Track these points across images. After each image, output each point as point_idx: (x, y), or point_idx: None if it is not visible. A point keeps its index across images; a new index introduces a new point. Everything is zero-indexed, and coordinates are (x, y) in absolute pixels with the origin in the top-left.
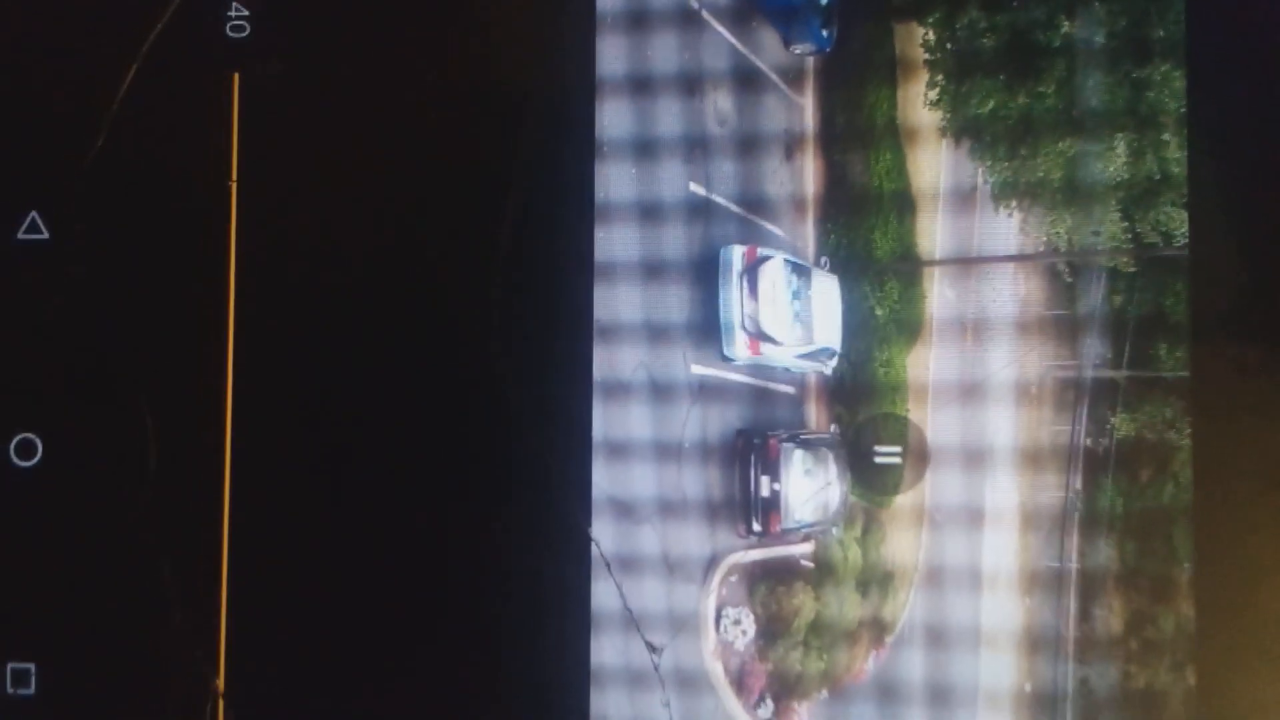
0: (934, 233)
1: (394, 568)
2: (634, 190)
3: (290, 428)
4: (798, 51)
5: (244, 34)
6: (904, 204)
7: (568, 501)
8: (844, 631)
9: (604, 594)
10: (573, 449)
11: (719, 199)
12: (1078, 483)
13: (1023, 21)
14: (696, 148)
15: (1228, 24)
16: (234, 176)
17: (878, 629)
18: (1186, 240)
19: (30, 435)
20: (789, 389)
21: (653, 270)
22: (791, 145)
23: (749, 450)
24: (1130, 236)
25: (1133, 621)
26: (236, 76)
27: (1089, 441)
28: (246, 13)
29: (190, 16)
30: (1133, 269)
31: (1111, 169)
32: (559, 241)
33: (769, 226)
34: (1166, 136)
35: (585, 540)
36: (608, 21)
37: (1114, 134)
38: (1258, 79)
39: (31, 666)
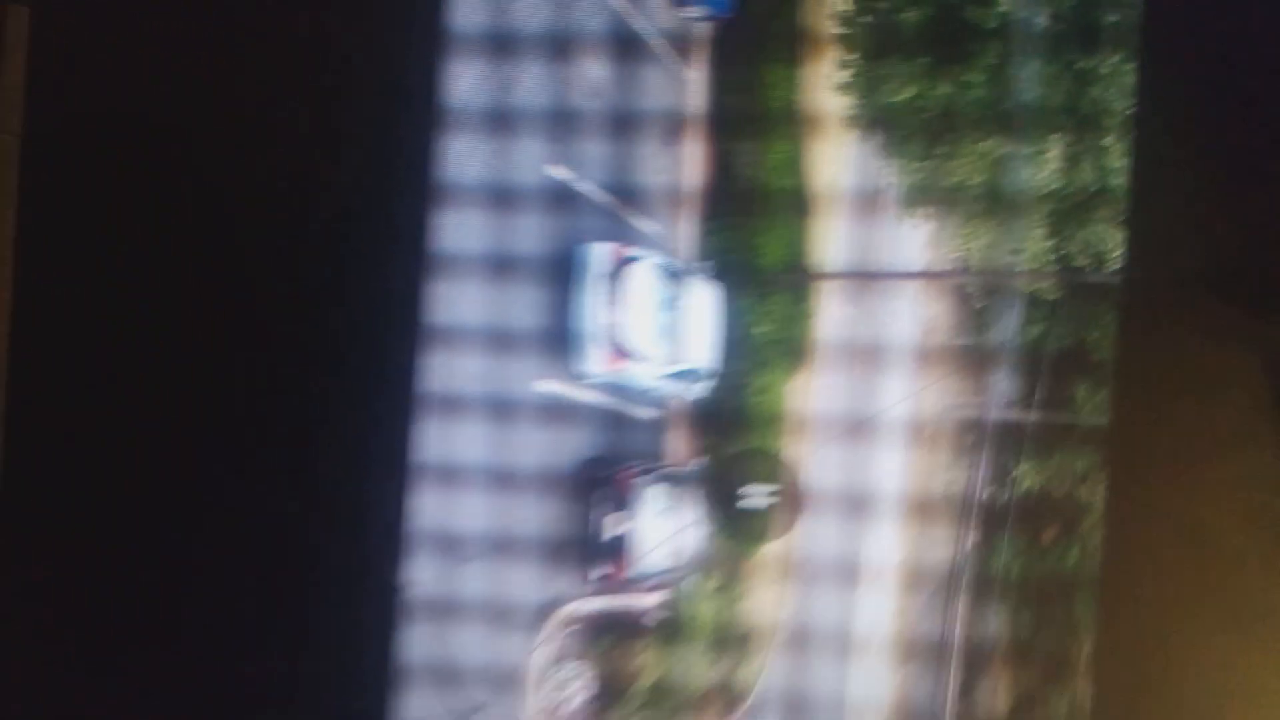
0: (831, 241)
1: (159, 605)
2: (482, 170)
3: (68, 441)
4: (690, 15)
5: None
6: (798, 205)
7: (380, 534)
8: (690, 698)
9: (418, 643)
10: (390, 471)
11: (583, 186)
12: (971, 540)
13: None
14: (560, 124)
15: (1193, 11)
16: (18, 130)
17: (728, 696)
18: (1120, 265)
19: None
20: (650, 414)
21: (499, 266)
22: (673, 128)
23: (598, 483)
24: (1056, 257)
25: (1021, 701)
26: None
27: (987, 493)
28: None
29: None
30: (1055, 296)
31: (1041, 176)
32: (388, 227)
33: (641, 222)
34: (1109, 141)
35: (397, 582)
36: None
37: (1048, 135)
38: (1221, 78)
39: None
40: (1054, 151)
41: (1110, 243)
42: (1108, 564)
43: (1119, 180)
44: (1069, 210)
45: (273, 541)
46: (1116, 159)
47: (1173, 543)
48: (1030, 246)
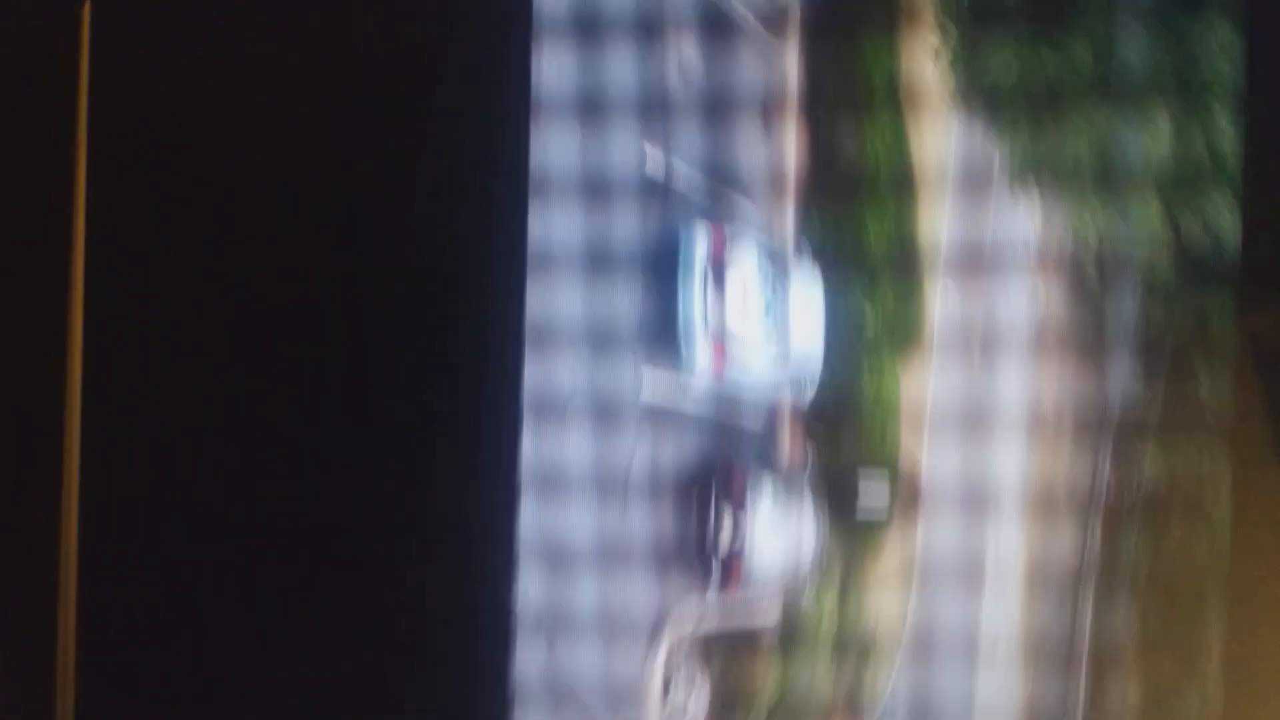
0: (939, 221)
1: (267, 634)
2: (576, 159)
3: (151, 467)
4: None
5: None
6: (904, 186)
7: (490, 549)
8: (815, 709)
9: (530, 661)
10: (497, 483)
11: (680, 170)
12: (1096, 538)
13: None
14: (655, 108)
15: None
16: (82, 127)
17: (855, 707)
18: (1238, 246)
19: None
20: (758, 415)
21: (597, 260)
22: (770, 108)
23: (708, 489)
24: (1172, 236)
25: (1152, 702)
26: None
27: (1112, 487)
28: None
29: None
30: (1174, 277)
31: (1154, 149)
32: (484, 224)
33: (741, 205)
34: (1220, 115)
35: (509, 597)
36: None
37: (1159, 107)
38: None
39: None
40: (1164, 124)
41: (1227, 219)
42: (1236, 560)
43: (1233, 156)
44: (1183, 185)
45: (383, 560)
46: (1230, 133)
47: None
48: (1146, 226)
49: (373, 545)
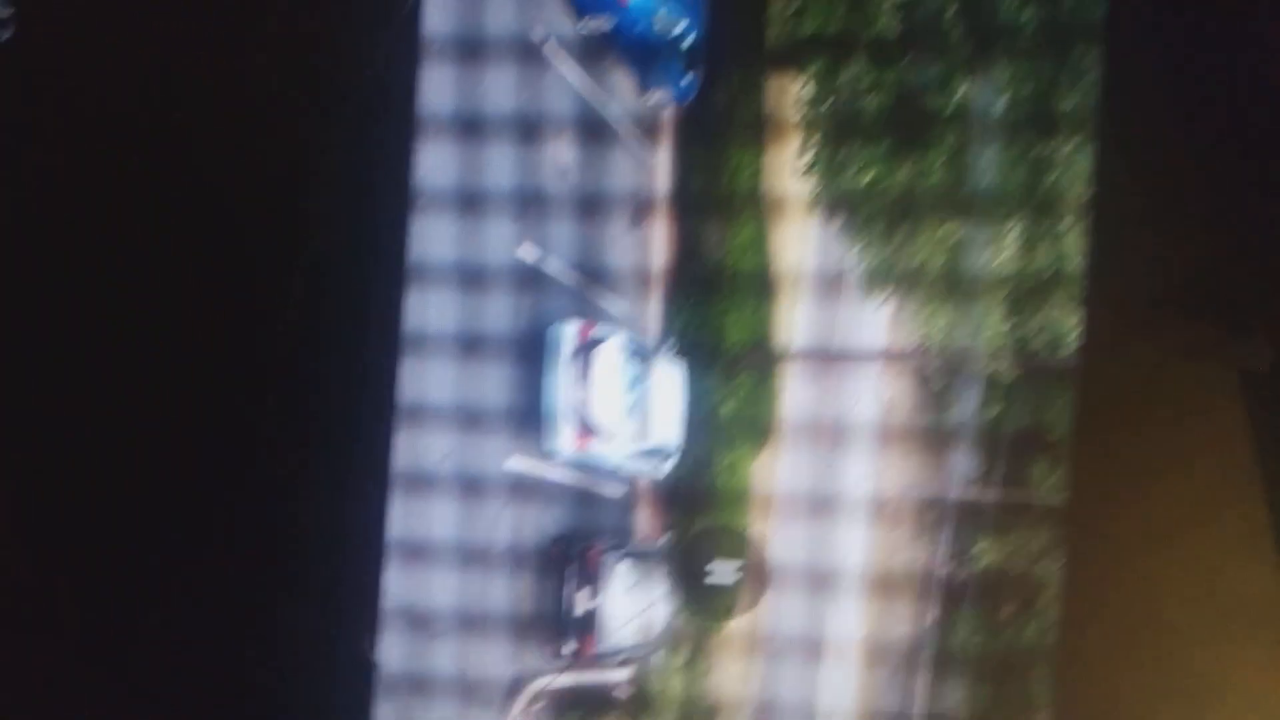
0: (794, 321)
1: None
2: (454, 249)
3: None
4: (653, 100)
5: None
6: (763, 285)
7: (353, 609)
8: None
9: (389, 718)
10: (364, 550)
11: (553, 266)
12: (932, 616)
13: (913, 81)
14: (530, 204)
15: (1145, 95)
16: None
17: None
18: (1077, 347)
19: None
20: (617, 491)
21: (470, 345)
22: (640, 209)
23: (567, 560)
24: (1013, 339)
25: None
26: None
27: (948, 570)
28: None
29: None
30: (1012, 377)
31: (999, 260)
32: (363, 305)
33: (608, 302)
34: (1064, 226)
35: (369, 659)
36: (434, 48)
37: (1006, 219)
38: (1174, 164)
39: None
40: (1011, 236)
41: (1066, 325)
42: (1064, 639)
43: (1075, 264)
44: (1026, 294)
45: (250, 613)
46: (1072, 244)
47: (1128, 619)
48: (988, 329)
49: (241, 601)
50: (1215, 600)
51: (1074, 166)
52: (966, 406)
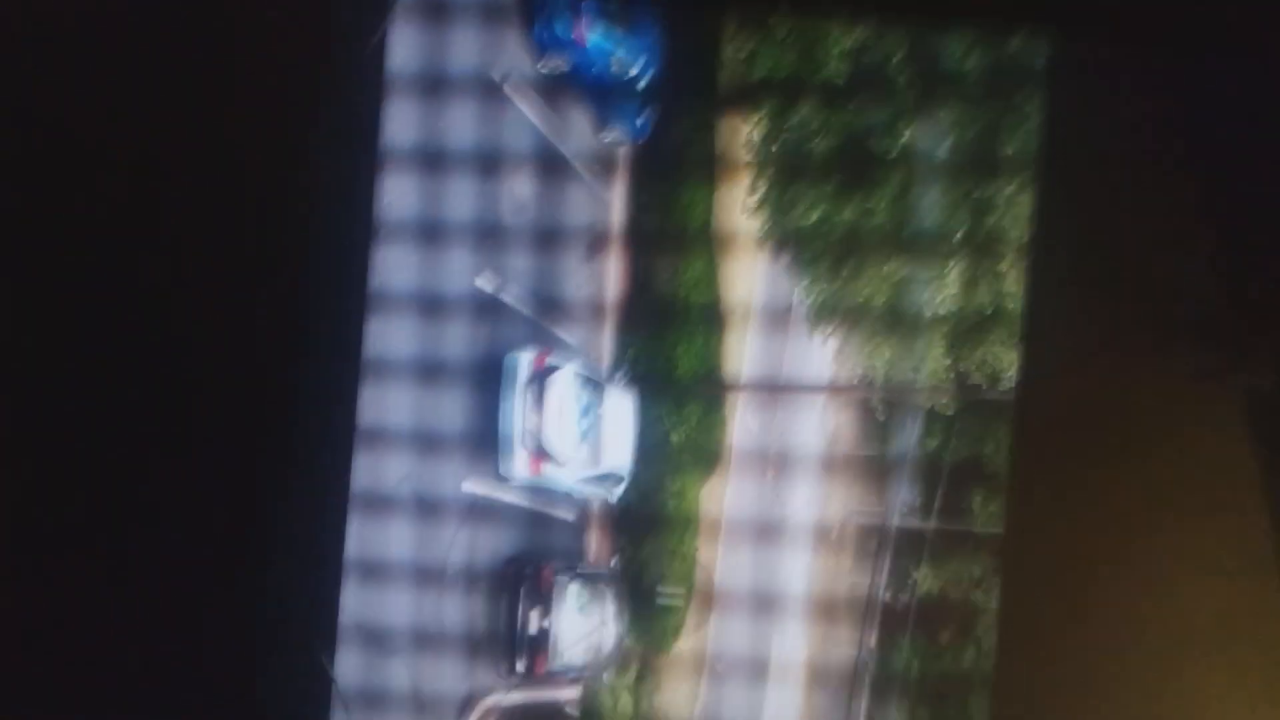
0: (742, 354)
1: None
2: (415, 279)
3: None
4: (608, 139)
5: None
6: (712, 319)
7: (308, 628)
8: None
9: None
10: (320, 567)
11: (509, 297)
12: (872, 640)
13: (860, 125)
14: (488, 237)
15: (1087, 144)
16: None
17: None
18: (1014, 383)
19: None
20: (569, 515)
21: (429, 372)
22: (594, 243)
23: (519, 581)
24: (953, 375)
25: None
26: None
27: (888, 596)
28: None
29: None
30: (952, 411)
31: (940, 298)
32: (324, 330)
33: (562, 332)
34: (1004, 267)
35: (324, 675)
36: (398, 85)
37: (947, 260)
38: (1112, 208)
39: None
40: (953, 275)
41: (1005, 361)
42: (1001, 664)
43: (1014, 303)
44: (966, 330)
45: (205, 628)
46: (1012, 283)
47: (1063, 646)
48: (930, 364)
49: (200, 614)
50: (1152, 626)
51: (1015, 208)
52: (908, 438)
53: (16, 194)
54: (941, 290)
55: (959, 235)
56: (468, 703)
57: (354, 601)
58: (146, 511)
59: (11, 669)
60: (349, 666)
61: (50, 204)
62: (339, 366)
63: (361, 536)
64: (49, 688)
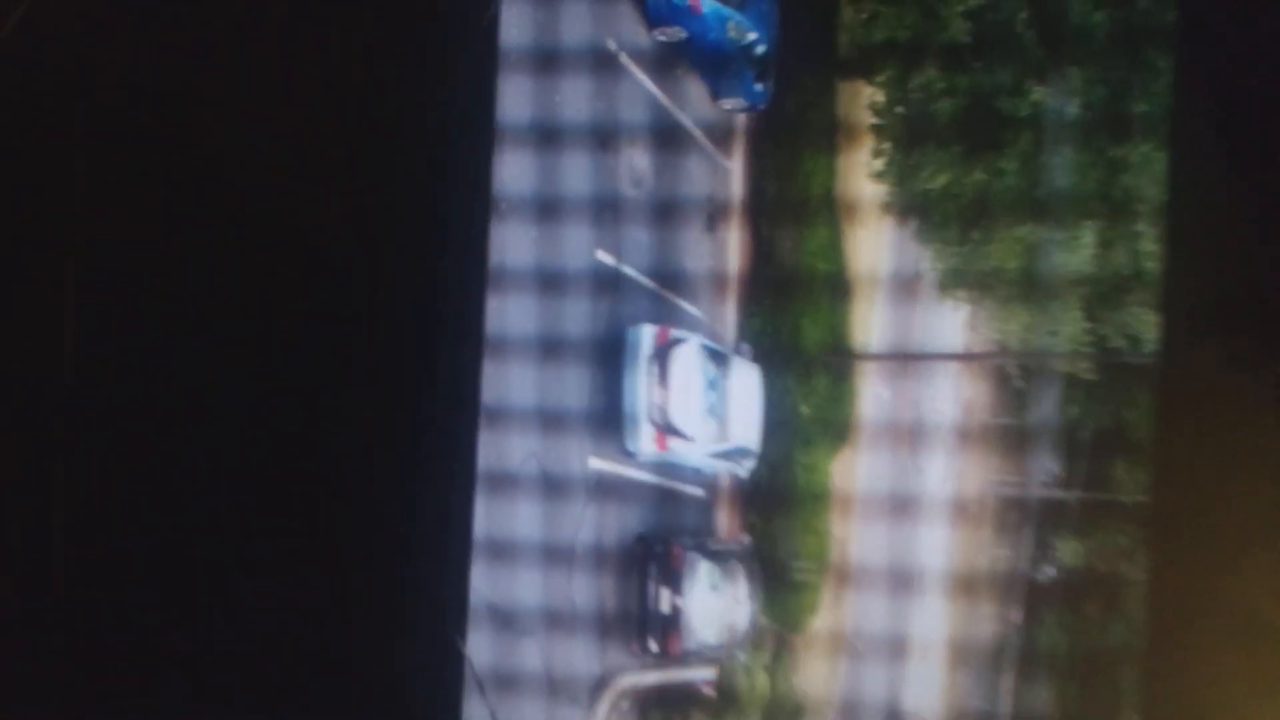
0: (870, 323)
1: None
2: (534, 255)
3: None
4: (727, 107)
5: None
6: (838, 288)
7: (440, 609)
8: None
9: (475, 716)
10: (449, 548)
11: (630, 270)
12: (1016, 615)
13: (986, 85)
14: (607, 211)
15: (1221, 99)
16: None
17: None
18: (1156, 347)
19: None
20: (698, 491)
21: (551, 348)
22: (715, 214)
23: (649, 558)
24: (1092, 339)
25: None
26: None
27: (1032, 569)
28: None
29: None
30: (1092, 376)
31: (1076, 261)
32: (445, 309)
33: (685, 305)
34: (1141, 227)
35: (457, 655)
36: (511, 59)
37: (1082, 221)
38: (1248, 166)
39: None
40: (1088, 237)
41: (1145, 325)
42: (1152, 639)
43: (1152, 264)
44: (1104, 294)
45: (340, 610)
46: (1150, 243)
47: (1217, 618)
48: (1067, 329)
49: (334, 596)
50: None
51: (1151, 166)
52: (1047, 405)
53: (138, 169)
54: (1077, 252)
55: (1093, 196)
56: (601, 683)
57: (484, 582)
58: (278, 498)
59: (142, 632)
60: (481, 648)
61: (173, 185)
62: (461, 345)
63: (489, 517)
64: (176, 662)
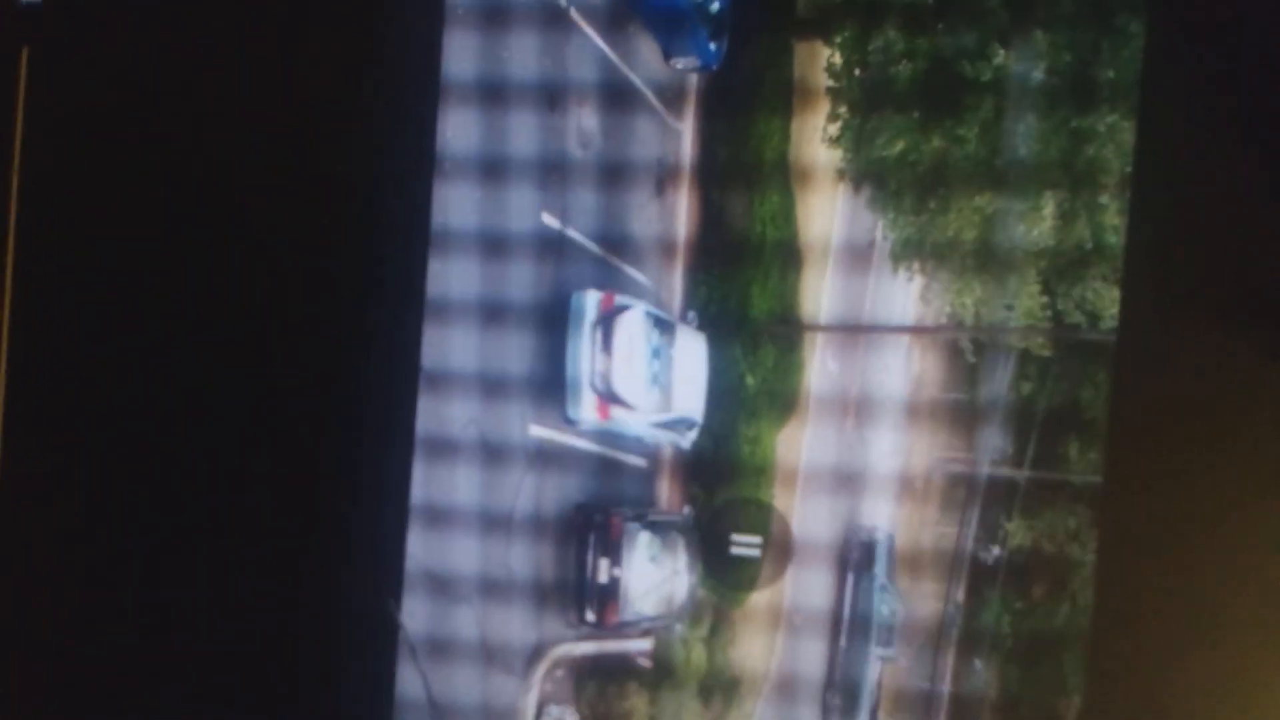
0: (821, 293)
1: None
2: (477, 216)
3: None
4: (679, 66)
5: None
6: (789, 256)
7: (375, 574)
8: None
9: (409, 682)
10: (386, 513)
11: (575, 234)
12: (960, 594)
13: (948, 48)
14: (553, 172)
15: (1191, 67)
16: (16, 166)
17: None
18: (1115, 323)
19: None
20: (639, 461)
21: (493, 312)
22: (664, 178)
23: (588, 528)
24: (1049, 314)
25: None
26: (25, 51)
27: (977, 548)
28: None
29: None
30: (1048, 353)
31: (1035, 233)
32: (386, 271)
33: (631, 271)
34: (1105, 199)
35: (392, 621)
36: (458, 13)
37: (1043, 191)
38: (1218, 137)
39: None
40: (1049, 208)
41: (1105, 300)
42: (1098, 622)
43: (1115, 238)
44: (1063, 267)
45: (270, 574)
46: (1113, 217)
47: (1164, 602)
48: (1023, 303)
49: (262, 562)
50: (1260, 589)
51: (1117, 136)
52: (1000, 381)
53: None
54: (1037, 224)
55: (1056, 166)
56: (537, 652)
57: (420, 548)
58: (212, 461)
59: (73, 616)
60: (417, 614)
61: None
62: (400, 308)
63: (427, 482)
64: (110, 641)
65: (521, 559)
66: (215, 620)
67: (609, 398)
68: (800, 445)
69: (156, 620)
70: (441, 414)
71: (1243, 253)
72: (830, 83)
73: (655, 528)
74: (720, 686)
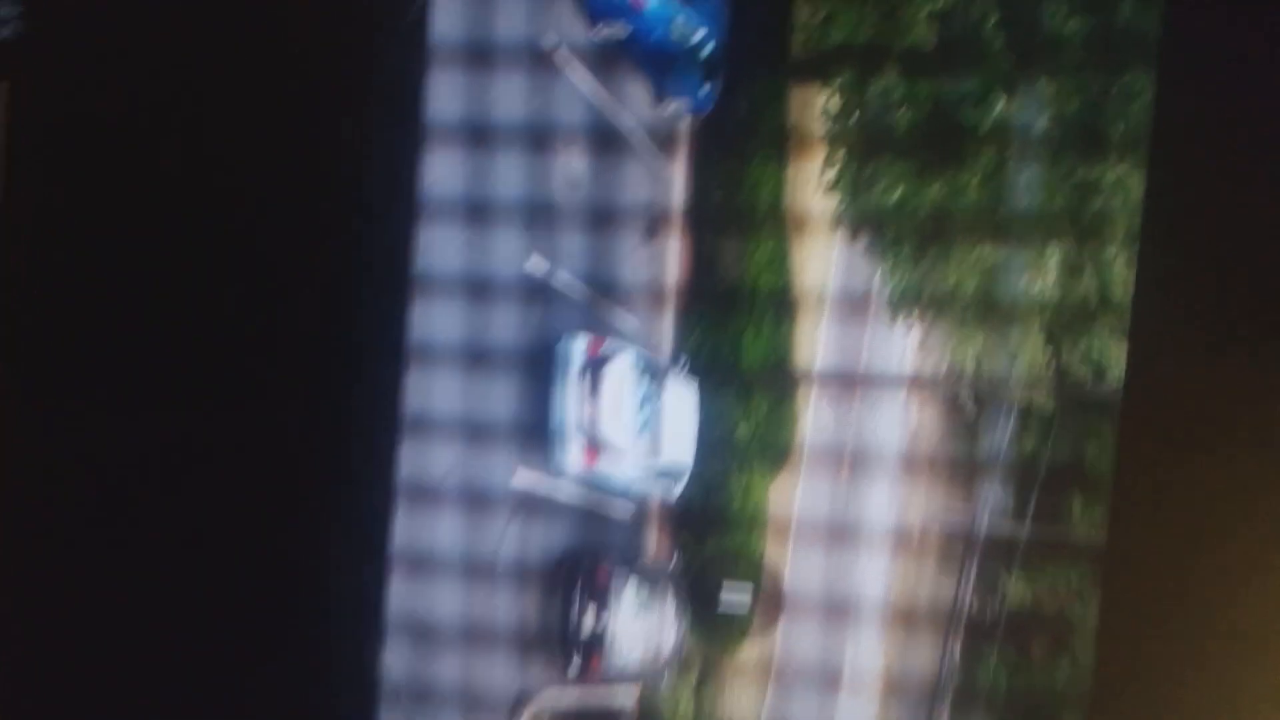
0: (816, 342)
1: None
2: (462, 260)
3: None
4: (670, 110)
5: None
6: (783, 304)
7: (356, 621)
8: None
9: None
10: (367, 559)
11: (563, 278)
12: (956, 651)
13: (949, 95)
14: (540, 215)
15: (1203, 120)
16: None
17: None
18: (1121, 379)
19: None
20: (627, 509)
21: (478, 357)
22: (654, 222)
23: (575, 577)
24: (1053, 368)
25: None
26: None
27: (975, 605)
28: (19, 10)
29: None
30: (1051, 406)
31: (1039, 284)
32: (368, 314)
33: (620, 316)
34: (1111, 252)
35: (373, 668)
36: (442, 54)
37: (1047, 242)
38: (1231, 193)
39: None
40: (1053, 260)
41: (1111, 355)
42: (1099, 681)
43: (1122, 292)
44: (1069, 320)
45: (248, 623)
46: (1120, 270)
47: (1168, 666)
48: (1026, 356)
49: (243, 610)
50: (1265, 647)
51: (1125, 190)
52: (1000, 436)
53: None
54: (1041, 276)
55: (1060, 217)
56: (520, 701)
57: (402, 596)
58: (195, 502)
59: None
60: (399, 661)
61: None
62: (383, 353)
63: (409, 529)
64: (89, 689)
65: (506, 606)
66: (197, 663)
67: (596, 445)
68: (792, 497)
69: (136, 671)
70: (423, 461)
71: (1256, 306)
72: (827, 128)
73: (644, 577)
74: None
